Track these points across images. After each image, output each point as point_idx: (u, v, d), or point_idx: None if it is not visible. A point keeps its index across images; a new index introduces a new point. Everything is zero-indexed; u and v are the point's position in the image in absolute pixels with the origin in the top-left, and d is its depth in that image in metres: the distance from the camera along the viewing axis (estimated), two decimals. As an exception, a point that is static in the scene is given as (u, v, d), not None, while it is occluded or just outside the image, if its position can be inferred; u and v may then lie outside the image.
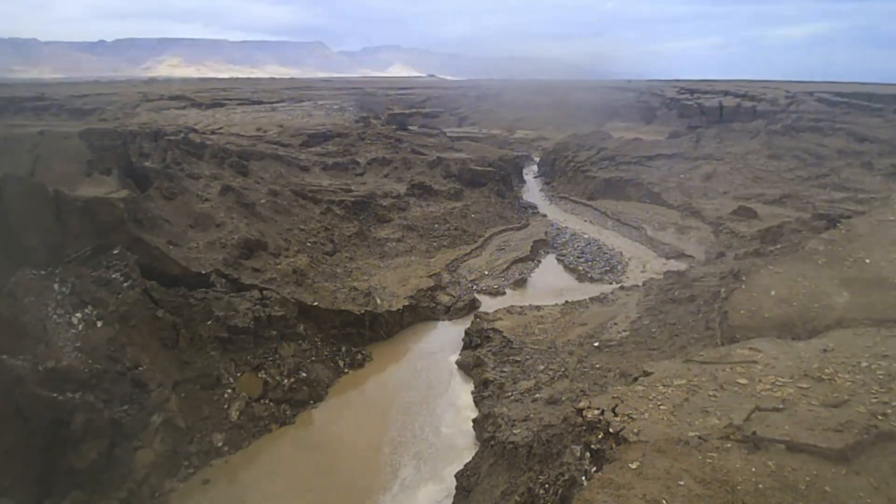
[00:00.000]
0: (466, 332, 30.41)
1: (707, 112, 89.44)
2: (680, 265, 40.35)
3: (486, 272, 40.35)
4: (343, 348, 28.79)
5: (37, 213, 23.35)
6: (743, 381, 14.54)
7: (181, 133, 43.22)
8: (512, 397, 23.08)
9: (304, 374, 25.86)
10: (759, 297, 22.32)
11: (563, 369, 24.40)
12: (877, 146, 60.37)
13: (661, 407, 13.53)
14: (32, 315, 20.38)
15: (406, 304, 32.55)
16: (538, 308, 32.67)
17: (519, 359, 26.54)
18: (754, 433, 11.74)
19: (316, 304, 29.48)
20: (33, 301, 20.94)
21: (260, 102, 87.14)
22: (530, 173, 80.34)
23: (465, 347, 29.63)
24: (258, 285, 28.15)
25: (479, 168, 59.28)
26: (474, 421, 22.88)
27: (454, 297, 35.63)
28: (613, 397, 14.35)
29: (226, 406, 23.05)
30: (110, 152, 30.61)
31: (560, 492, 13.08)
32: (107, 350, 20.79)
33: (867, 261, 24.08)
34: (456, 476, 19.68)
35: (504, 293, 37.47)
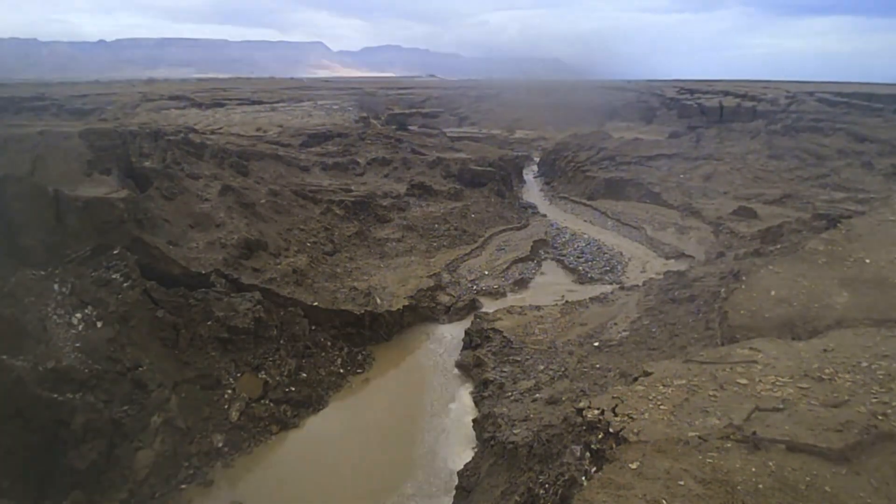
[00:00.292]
0: (466, 332, 30.41)
1: (707, 112, 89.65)
2: (680, 265, 40.28)
3: (486, 272, 40.34)
4: (343, 349, 28.78)
5: (37, 213, 23.36)
6: (743, 381, 14.52)
7: (181, 133, 43.21)
8: (512, 397, 23.06)
9: (305, 375, 25.86)
10: (759, 297, 22.29)
11: (563, 369, 24.38)
12: (877, 146, 60.41)
13: (661, 407, 13.52)
14: (32, 315, 20.39)
15: (406, 304, 32.54)
16: (538, 308, 32.67)
17: (519, 359, 26.53)
18: (754, 433, 11.73)
19: (316, 304, 29.48)
20: (33, 301, 20.96)
21: (260, 102, 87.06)
22: (530, 173, 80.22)
23: (465, 347, 29.62)
24: (258, 285, 28.17)
25: (479, 168, 59.26)
26: (474, 421, 22.87)
27: (454, 297, 35.63)
28: (613, 397, 14.32)
29: (226, 406, 23.04)
30: (110, 152, 30.64)
31: (560, 492, 13.06)
32: (107, 350, 20.79)
33: (867, 261, 24.05)
34: (457, 475, 19.69)
35: (504, 293, 37.45)
